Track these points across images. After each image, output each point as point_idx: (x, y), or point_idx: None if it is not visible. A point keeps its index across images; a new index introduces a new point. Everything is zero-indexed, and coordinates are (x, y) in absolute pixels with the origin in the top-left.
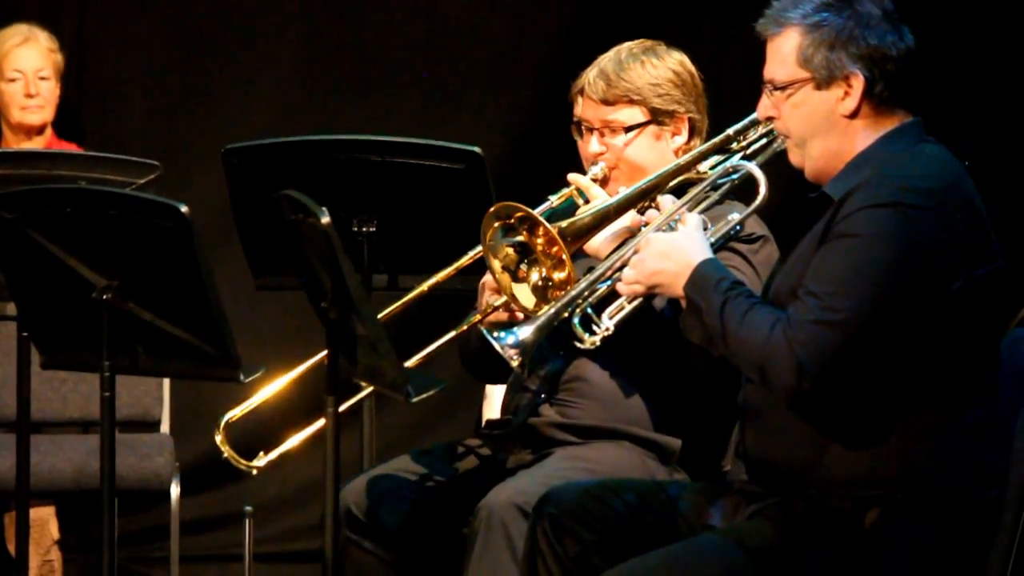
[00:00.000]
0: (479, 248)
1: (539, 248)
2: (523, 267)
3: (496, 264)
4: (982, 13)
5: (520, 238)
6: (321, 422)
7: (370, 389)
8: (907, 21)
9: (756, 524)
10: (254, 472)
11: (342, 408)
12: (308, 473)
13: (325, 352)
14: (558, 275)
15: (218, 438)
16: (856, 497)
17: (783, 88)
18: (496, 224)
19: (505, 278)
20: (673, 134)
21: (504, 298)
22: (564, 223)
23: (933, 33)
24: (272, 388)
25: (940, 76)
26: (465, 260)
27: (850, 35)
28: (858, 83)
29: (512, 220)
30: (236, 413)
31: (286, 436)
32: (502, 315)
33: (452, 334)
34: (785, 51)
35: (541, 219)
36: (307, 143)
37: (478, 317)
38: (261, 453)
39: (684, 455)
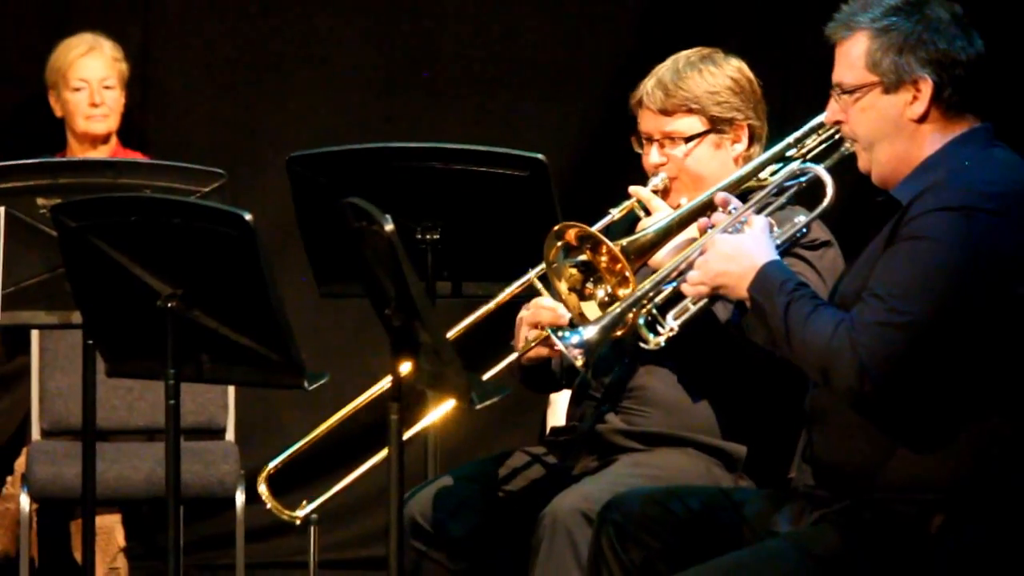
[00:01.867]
0: (541, 266)
1: (603, 266)
2: (589, 285)
3: (562, 286)
4: None
5: (583, 257)
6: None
7: (437, 414)
8: (977, 26)
9: (821, 530)
10: (297, 523)
11: (411, 433)
12: (373, 480)
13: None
14: (623, 291)
15: (262, 489)
16: (921, 501)
17: (851, 92)
18: (559, 244)
19: (572, 298)
20: (733, 142)
21: (541, 334)
22: (626, 240)
23: (1004, 38)
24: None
25: (1010, 81)
26: (529, 277)
27: (919, 39)
28: (927, 87)
29: (575, 239)
30: (279, 462)
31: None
32: (542, 351)
33: (516, 355)
34: (854, 55)
35: (603, 238)
36: (371, 151)
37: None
38: (304, 501)
39: (749, 462)
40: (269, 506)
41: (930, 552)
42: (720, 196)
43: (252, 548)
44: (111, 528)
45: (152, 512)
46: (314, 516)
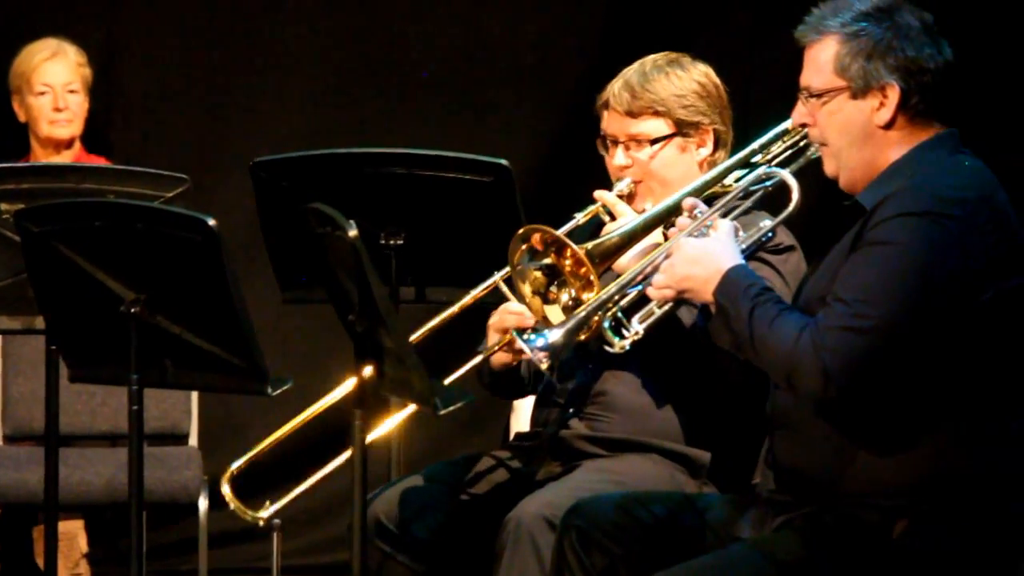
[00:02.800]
0: (506, 269)
1: (567, 269)
2: (553, 289)
3: (526, 289)
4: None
5: (548, 260)
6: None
7: (399, 418)
8: (947, 35)
9: (784, 535)
10: (260, 524)
11: (374, 437)
12: (336, 485)
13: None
14: (587, 295)
15: (225, 489)
16: (884, 507)
17: (819, 96)
18: (523, 247)
19: (536, 301)
20: (698, 146)
21: (505, 338)
22: (591, 244)
23: (973, 47)
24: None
25: (978, 89)
26: (493, 281)
27: (888, 46)
28: (894, 94)
29: (540, 243)
30: (242, 462)
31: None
32: (506, 356)
33: (479, 358)
34: (823, 59)
35: (569, 241)
36: (335, 156)
37: (495, 349)
38: (267, 502)
39: (713, 468)
40: (232, 507)
41: (892, 558)
42: (688, 201)
43: (215, 553)
44: (74, 534)
45: (115, 518)
46: (276, 521)
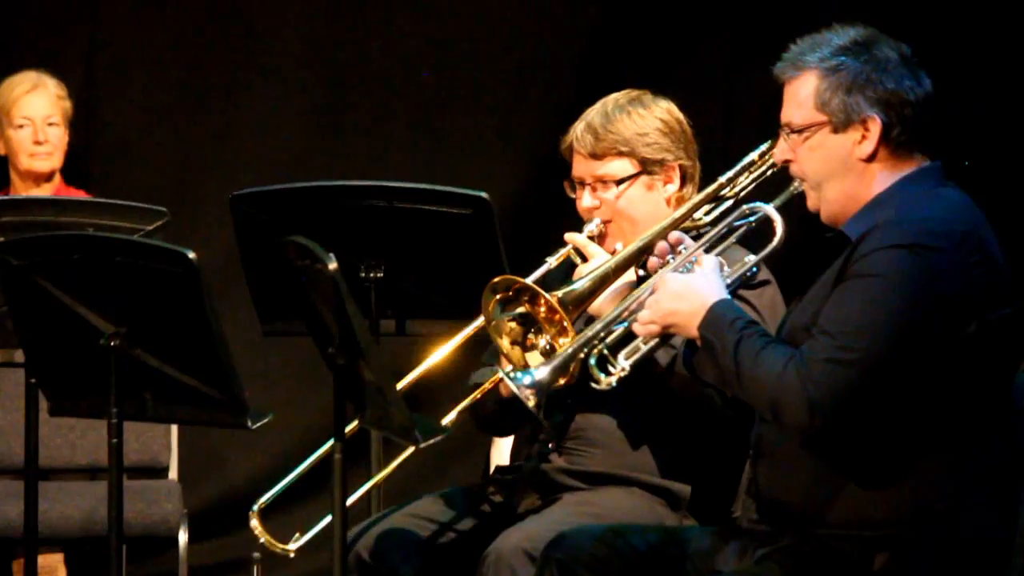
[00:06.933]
0: (481, 319)
1: (542, 316)
2: (530, 335)
3: (504, 342)
4: (1001, 57)
5: (522, 309)
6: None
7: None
8: (925, 66)
9: (765, 568)
10: (291, 555)
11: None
12: (316, 518)
13: None
14: (563, 341)
15: (254, 524)
16: (865, 539)
17: (800, 131)
18: (496, 298)
19: (516, 352)
20: (665, 183)
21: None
22: (562, 291)
23: (951, 78)
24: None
25: (958, 120)
26: (469, 331)
27: (868, 79)
28: (875, 127)
29: (511, 292)
30: (269, 497)
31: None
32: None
33: (478, 392)
34: (803, 95)
35: (541, 291)
36: (314, 189)
37: (498, 377)
38: (297, 534)
39: (693, 501)
40: (263, 540)
41: None
42: (674, 235)
43: None
44: (54, 567)
45: (95, 551)
46: (256, 555)
